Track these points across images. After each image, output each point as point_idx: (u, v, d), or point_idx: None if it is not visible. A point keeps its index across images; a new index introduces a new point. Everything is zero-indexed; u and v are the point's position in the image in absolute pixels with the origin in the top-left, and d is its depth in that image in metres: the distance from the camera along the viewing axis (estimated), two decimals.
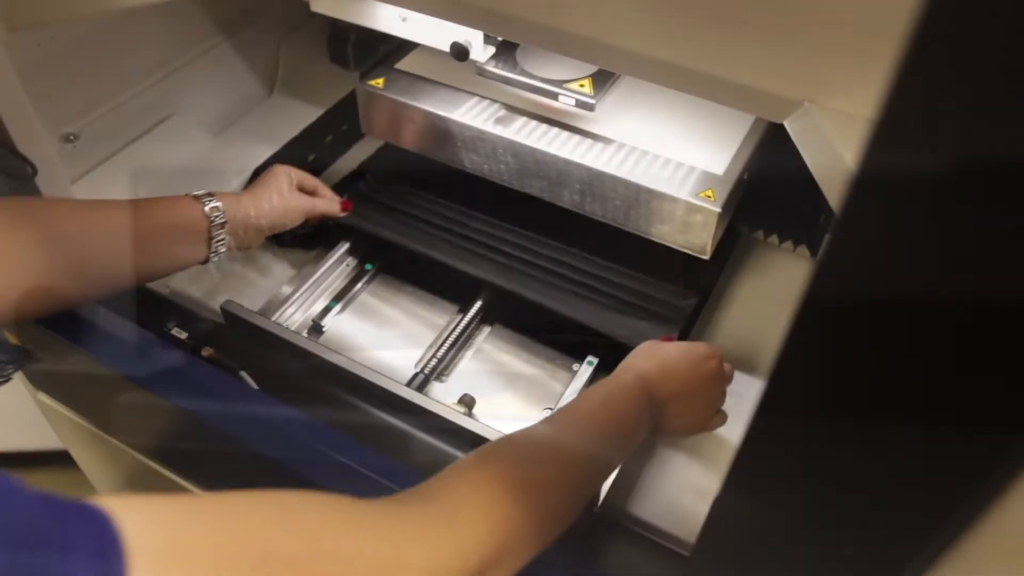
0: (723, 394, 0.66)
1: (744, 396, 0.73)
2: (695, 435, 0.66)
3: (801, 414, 0.25)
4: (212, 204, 0.68)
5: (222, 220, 0.69)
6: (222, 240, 0.69)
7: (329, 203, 0.80)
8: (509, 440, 0.52)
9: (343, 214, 0.81)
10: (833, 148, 0.49)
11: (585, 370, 0.72)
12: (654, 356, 0.63)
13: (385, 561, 0.40)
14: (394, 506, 0.43)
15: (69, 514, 0.31)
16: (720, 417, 0.66)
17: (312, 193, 0.80)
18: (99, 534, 0.31)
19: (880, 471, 0.25)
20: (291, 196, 0.76)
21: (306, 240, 0.85)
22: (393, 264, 0.82)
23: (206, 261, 0.70)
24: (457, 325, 0.75)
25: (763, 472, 0.30)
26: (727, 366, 0.65)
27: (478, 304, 0.77)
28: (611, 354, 0.70)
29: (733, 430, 0.70)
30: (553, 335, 0.75)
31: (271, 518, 0.38)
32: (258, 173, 0.87)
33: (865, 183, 0.19)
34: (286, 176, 0.77)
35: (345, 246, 0.82)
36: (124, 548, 0.31)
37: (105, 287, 0.64)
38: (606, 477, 0.59)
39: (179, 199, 0.68)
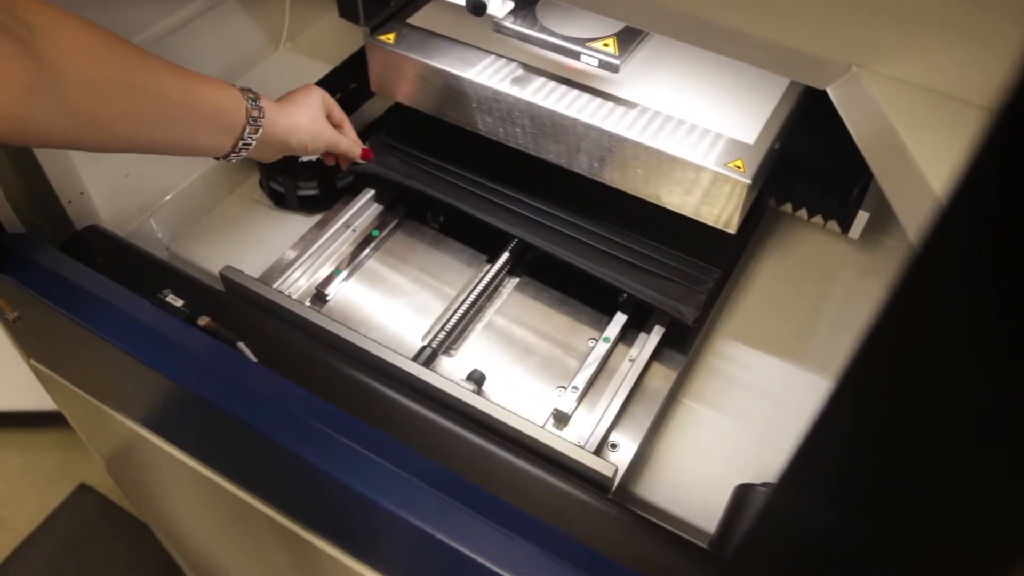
0: None
1: (770, 378, 0.70)
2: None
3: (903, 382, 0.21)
4: (257, 106, 0.65)
5: (258, 125, 0.65)
6: (249, 144, 0.66)
7: (352, 145, 0.76)
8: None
9: (362, 161, 0.78)
10: (883, 116, 0.45)
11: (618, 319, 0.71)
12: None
13: None
14: None
15: None
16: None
17: (337, 127, 0.76)
18: None
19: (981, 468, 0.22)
20: (323, 124, 0.73)
21: (308, 203, 0.81)
22: (418, 212, 0.81)
23: (224, 158, 0.66)
24: (483, 278, 0.73)
25: (834, 463, 0.26)
26: None
27: (505, 255, 0.74)
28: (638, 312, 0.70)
29: (749, 416, 0.67)
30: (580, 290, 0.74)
31: None
32: None
33: None
34: (322, 101, 0.74)
35: (370, 193, 0.80)
36: None
37: (114, 145, 0.60)
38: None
39: (227, 88, 0.64)
